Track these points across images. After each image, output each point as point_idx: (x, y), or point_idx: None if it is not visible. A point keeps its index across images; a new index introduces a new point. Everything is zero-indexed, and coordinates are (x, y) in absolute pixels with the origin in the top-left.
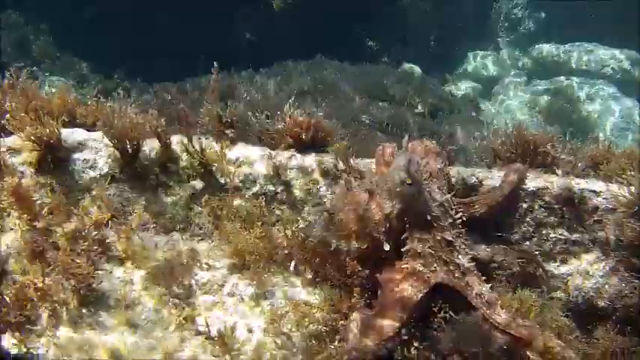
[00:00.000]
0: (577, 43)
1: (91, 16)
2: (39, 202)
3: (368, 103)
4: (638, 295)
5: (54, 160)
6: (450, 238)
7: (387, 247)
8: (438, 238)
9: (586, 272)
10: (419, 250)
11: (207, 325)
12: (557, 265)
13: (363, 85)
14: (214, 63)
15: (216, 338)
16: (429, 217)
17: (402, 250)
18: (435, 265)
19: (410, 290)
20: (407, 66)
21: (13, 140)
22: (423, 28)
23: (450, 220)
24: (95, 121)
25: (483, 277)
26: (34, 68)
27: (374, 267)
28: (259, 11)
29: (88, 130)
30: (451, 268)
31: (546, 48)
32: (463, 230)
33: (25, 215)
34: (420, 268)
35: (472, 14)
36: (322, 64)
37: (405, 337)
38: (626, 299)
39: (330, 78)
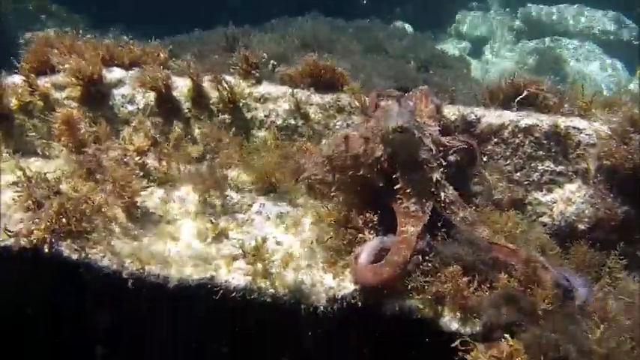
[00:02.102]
0: (564, 5)
1: None
2: (84, 132)
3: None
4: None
5: (96, 94)
6: (438, 177)
7: (380, 184)
8: (427, 177)
9: (568, 199)
10: (408, 190)
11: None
12: (544, 194)
13: (360, 40)
14: None
15: (249, 249)
16: (419, 160)
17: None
18: (424, 200)
19: (411, 230)
20: (398, 23)
21: (57, 78)
22: None
23: (438, 162)
24: (131, 61)
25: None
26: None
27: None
28: None
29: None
30: (438, 200)
31: (534, 8)
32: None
33: (71, 143)
34: (413, 208)
35: None
36: (318, 20)
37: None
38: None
39: (329, 32)
